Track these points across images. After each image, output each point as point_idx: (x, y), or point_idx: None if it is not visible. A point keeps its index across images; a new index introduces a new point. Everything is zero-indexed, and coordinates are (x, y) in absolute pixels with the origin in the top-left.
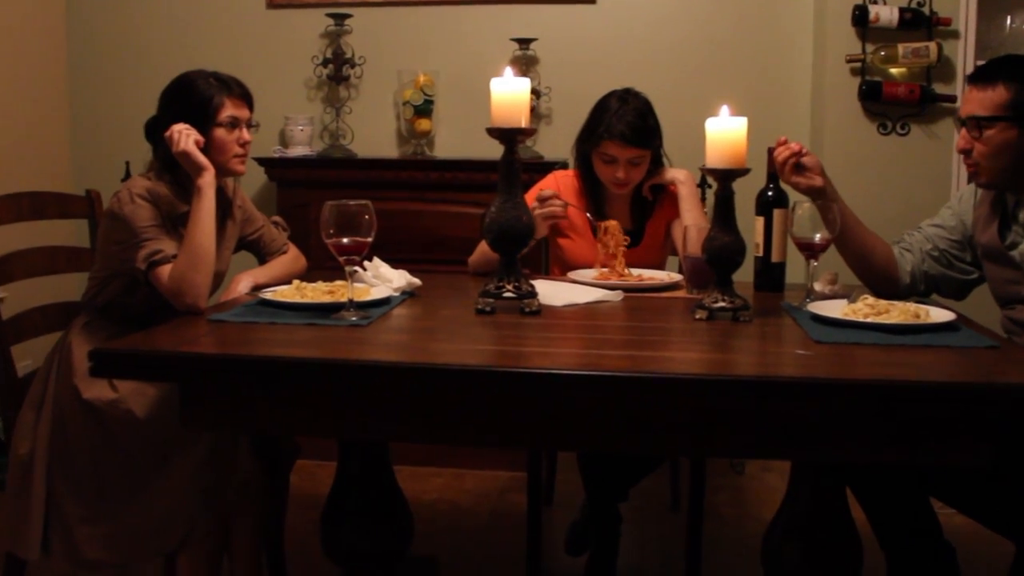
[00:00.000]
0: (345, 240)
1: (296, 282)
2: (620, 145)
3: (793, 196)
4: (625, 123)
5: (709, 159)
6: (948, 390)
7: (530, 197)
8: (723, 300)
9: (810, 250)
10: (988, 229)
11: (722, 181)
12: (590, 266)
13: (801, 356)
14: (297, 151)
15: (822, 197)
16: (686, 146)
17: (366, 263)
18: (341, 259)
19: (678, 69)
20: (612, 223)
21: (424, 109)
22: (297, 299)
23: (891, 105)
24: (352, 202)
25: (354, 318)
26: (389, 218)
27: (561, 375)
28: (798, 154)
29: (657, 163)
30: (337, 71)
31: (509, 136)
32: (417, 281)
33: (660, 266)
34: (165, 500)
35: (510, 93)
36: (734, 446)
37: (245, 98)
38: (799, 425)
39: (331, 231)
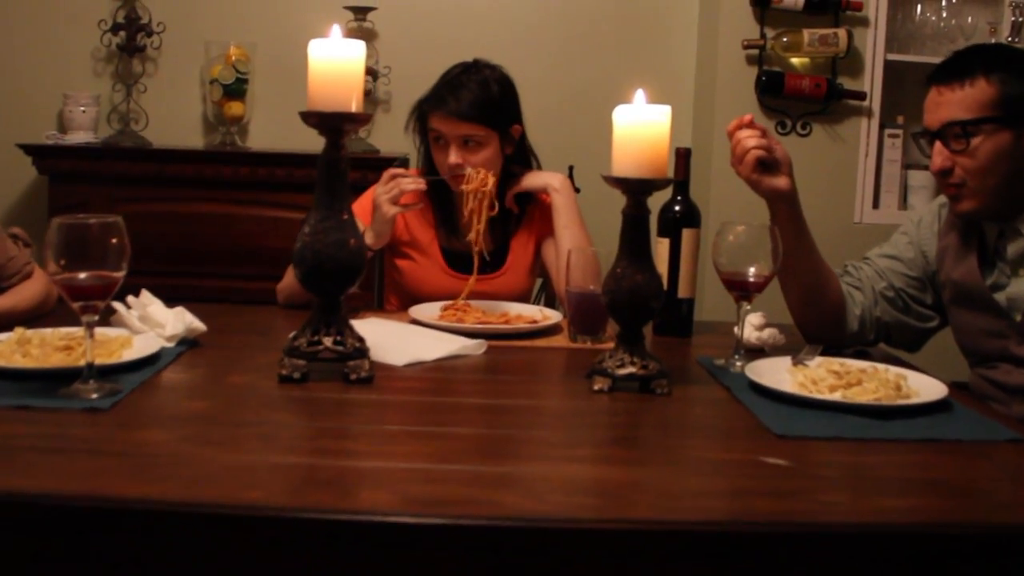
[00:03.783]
0: (82, 276)
1: (19, 330)
2: (446, 118)
3: (712, 213)
4: (459, 93)
5: (617, 164)
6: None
7: (358, 208)
8: (632, 364)
9: (743, 290)
10: (961, 265)
11: (634, 195)
12: (438, 297)
13: (773, 468)
14: (77, 137)
15: (786, 205)
16: (550, 144)
17: (130, 299)
18: (75, 306)
19: (543, 50)
20: (475, 169)
21: (236, 90)
22: (16, 361)
23: (792, 101)
24: (93, 219)
25: (94, 395)
26: (190, 223)
27: (389, 525)
28: (766, 143)
29: (522, 162)
30: (130, 40)
31: (333, 124)
32: (200, 326)
33: (525, 297)
34: None
35: (337, 61)
36: None
37: None
38: None
39: (61, 262)
